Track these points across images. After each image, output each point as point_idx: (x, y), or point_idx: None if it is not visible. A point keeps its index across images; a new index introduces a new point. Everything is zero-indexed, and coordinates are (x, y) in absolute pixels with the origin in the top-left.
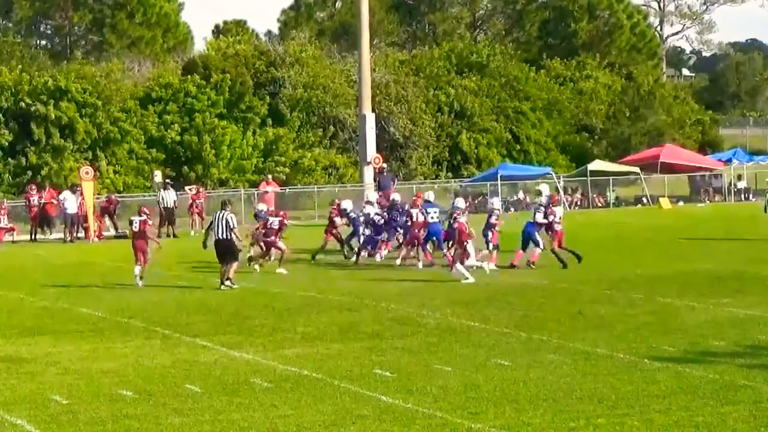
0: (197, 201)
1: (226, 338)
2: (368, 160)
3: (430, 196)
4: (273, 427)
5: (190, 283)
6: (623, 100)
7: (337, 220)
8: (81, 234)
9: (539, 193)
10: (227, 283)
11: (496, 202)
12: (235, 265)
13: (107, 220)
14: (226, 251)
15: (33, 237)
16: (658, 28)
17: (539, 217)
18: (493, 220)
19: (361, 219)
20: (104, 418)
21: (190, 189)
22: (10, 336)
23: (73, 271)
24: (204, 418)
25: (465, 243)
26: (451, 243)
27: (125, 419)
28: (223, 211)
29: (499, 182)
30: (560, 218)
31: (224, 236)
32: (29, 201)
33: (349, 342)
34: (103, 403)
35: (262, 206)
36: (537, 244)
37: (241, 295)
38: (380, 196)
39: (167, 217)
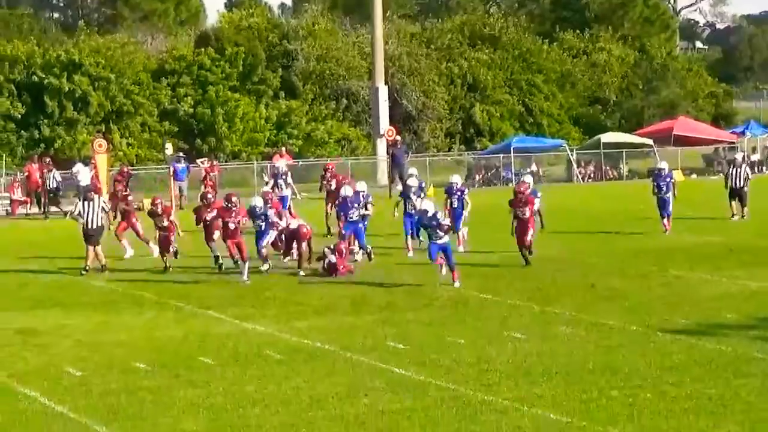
0: (211, 174)
1: (239, 311)
2: (381, 132)
3: (361, 185)
4: (286, 399)
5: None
6: (636, 72)
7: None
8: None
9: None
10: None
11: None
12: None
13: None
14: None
15: (46, 210)
16: (672, 1)
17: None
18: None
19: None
20: (117, 390)
21: (201, 162)
22: (23, 308)
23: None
24: (217, 389)
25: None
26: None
27: (138, 391)
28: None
29: (512, 155)
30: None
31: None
32: (43, 174)
33: (361, 315)
34: (116, 375)
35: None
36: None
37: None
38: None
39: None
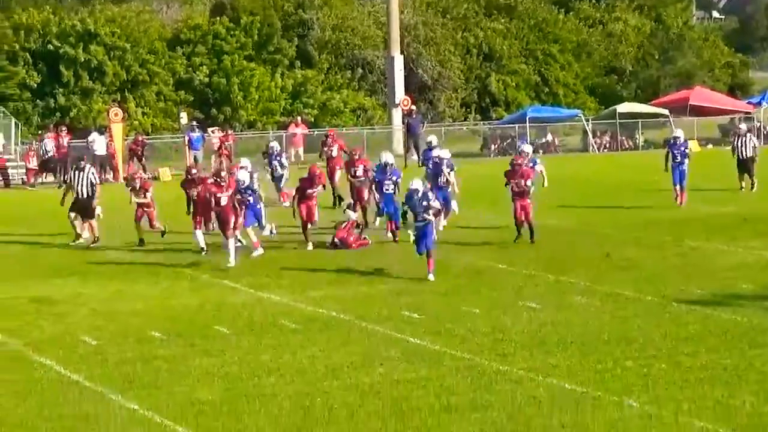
0: (226, 143)
1: (254, 280)
2: (396, 102)
3: (388, 158)
4: (301, 368)
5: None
6: (652, 42)
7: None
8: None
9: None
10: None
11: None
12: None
13: (135, 162)
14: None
15: (64, 179)
16: None
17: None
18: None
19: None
20: (133, 359)
21: (212, 131)
22: (38, 277)
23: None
24: (232, 358)
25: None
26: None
27: (154, 360)
28: (85, 169)
29: (527, 125)
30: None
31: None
32: (58, 142)
33: (376, 284)
34: (132, 344)
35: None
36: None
37: (267, 238)
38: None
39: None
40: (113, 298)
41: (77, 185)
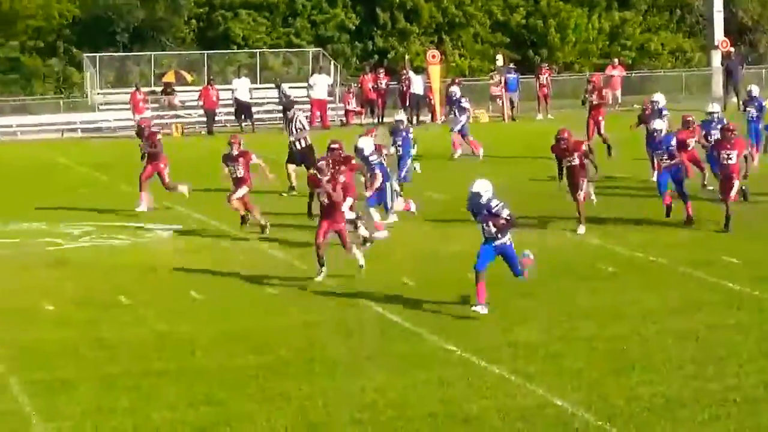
0: (542, 77)
1: (569, 223)
2: (715, 44)
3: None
4: (617, 312)
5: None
6: None
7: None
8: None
9: None
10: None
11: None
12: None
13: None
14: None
15: (381, 119)
16: None
17: None
18: None
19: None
20: (450, 301)
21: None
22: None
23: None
24: (548, 300)
25: None
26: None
27: (471, 302)
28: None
29: None
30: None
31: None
32: (377, 84)
33: (693, 231)
34: (448, 288)
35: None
36: None
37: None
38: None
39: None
40: (432, 239)
41: (289, 135)
